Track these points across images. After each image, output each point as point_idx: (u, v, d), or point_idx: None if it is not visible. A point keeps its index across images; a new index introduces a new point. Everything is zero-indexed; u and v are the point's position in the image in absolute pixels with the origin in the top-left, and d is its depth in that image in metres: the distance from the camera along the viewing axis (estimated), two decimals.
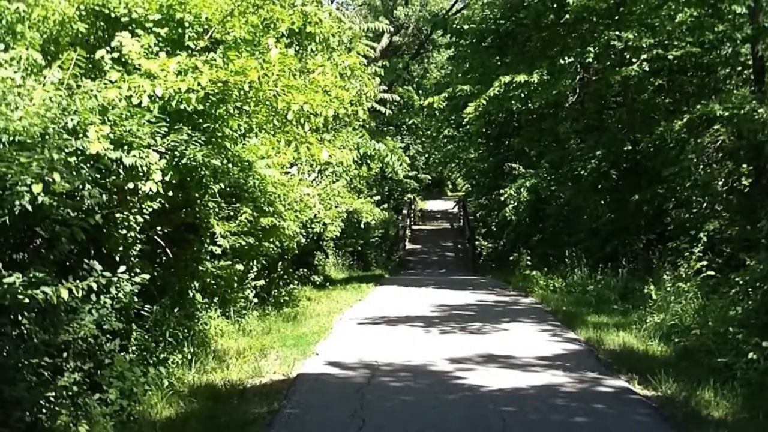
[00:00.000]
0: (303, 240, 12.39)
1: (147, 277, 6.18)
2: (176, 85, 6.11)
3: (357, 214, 16.01)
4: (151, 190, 5.81)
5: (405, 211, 28.81)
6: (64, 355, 5.37)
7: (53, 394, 5.03)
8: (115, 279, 5.71)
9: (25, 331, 4.90)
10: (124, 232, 6.16)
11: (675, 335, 8.84)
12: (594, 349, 8.87)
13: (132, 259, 6.42)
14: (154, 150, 5.83)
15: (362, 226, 17.85)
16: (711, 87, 15.18)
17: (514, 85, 16.15)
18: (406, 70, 30.02)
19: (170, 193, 6.32)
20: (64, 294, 4.82)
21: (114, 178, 5.73)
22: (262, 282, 11.04)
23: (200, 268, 8.45)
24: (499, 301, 14.01)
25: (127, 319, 6.20)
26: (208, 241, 8.50)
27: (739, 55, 13.97)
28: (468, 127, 22.35)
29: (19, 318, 4.86)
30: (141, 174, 5.75)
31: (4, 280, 4.59)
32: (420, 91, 31.39)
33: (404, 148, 27.04)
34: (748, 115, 11.25)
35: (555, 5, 16.70)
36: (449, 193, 42.39)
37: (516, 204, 18.01)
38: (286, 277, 13.20)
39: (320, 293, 14.45)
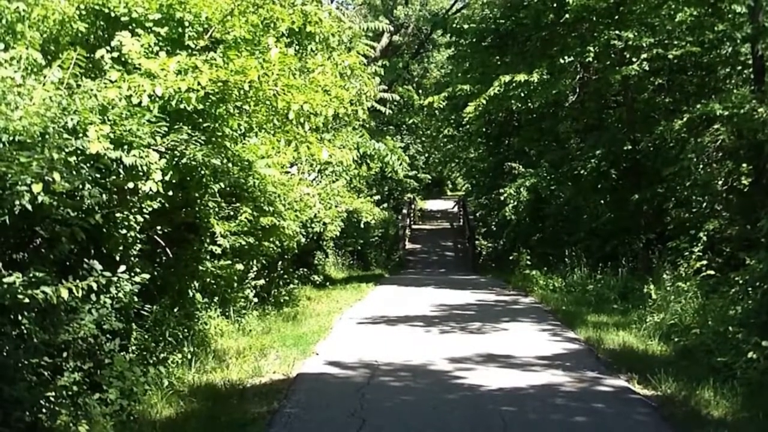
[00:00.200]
0: (303, 239, 12.38)
1: (147, 276, 6.18)
2: (176, 84, 6.11)
3: (357, 213, 16.00)
4: (151, 189, 5.80)
5: (405, 211, 28.81)
6: (64, 354, 5.37)
7: (53, 393, 5.03)
8: (115, 279, 5.71)
9: (25, 331, 4.90)
10: (124, 231, 6.15)
11: (675, 335, 8.85)
12: (594, 348, 8.87)
13: (132, 258, 6.41)
14: (154, 149, 5.83)
15: (362, 225, 17.85)
16: (711, 86, 15.19)
17: (513, 84, 16.15)
18: (406, 69, 29.99)
19: (170, 193, 6.31)
20: (64, 294, 4.82)
21: (114, 177, 5.72)
22: (262, 282, 11.04)
23: (200, 267, 8.45)
24: (499, 300, 14.01)
25: (127, 318, 6.20)
26: (208, 240, 8.50)
27: (739, 55, 13.98)
28: (468, 126, 22.37)
29: (19, 318, 4.86)
30: (141, 173, 5.75)
31: (4, 280, 4.60)
32: (420, 91, 31.42)
33: (404, 147, 27.03)
34: (748, 114, 11.25)
35: (555, 5, 16.69)
36: (449, 193, 42.43)
37: (516, 203, 18.01)
38: (286, 276, 13.21)
39: (320, 293, 14.45)
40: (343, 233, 16.47)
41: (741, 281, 8.29)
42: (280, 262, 12.52)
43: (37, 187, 4.63)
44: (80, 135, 5.26)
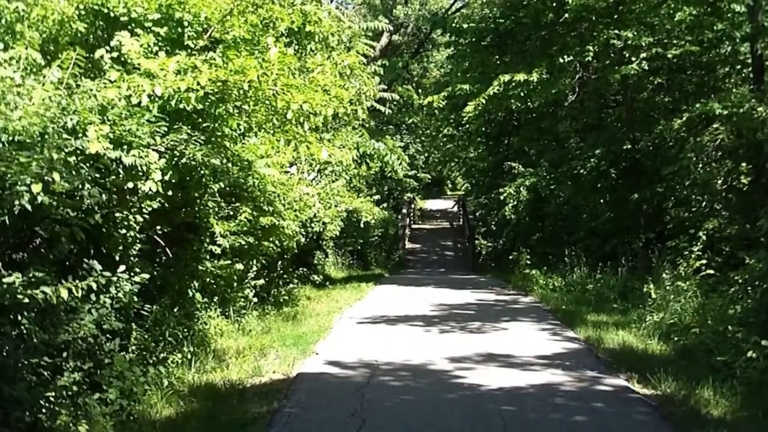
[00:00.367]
0: (302, 239, 12.38)
1: (147, 276, 6.18)
2: (176, 84, 6.11)
3: (356, 213, 16.00)
4: (150, 189, 5.80)
5: (404, 211, 28.81)
6: (64, 354, 5.36)
7: (53, 393, 5.03)
8: (114, 279, 5.71)
9: (24, 331, 4.90)
10: (123, 231, 6.15)
11: (674, 334, 8.85)
12: (593, 347, 8.88)
13: (132, 258, 6.41)
14: (153, 149, 5.82)
15: (362, 225, 17.85)
16: (710, 86, 15.20)
17: (513, 84, 16.15)
18: (405, 69, 29.98)
19: (170, 193, 6.31)
20: (64, 294, 4.82)
21: (113, 177, 5.72)
22: (261, 281, 11.03)
23: (200, 267, 8.45)
24: (499, 300, 14.02)
25: (126, 318, 6.20)
26: (207, 240, 8.50)
27: (739, 54, 13.99)
28: (467, 126, 22.37)
29: (19, 318, 4.85)
30: (140, 173, 5.75)
31: (4, 280, 4.59)
32: (419, 90, 31.40)
33: (404, 147, 27.04)
34: (747, 113, 11.26)
35: (554, 4, 16.70)
36: (449, 193, 42.45)
37: (515, 203, 18.01)
38: (285, 276, 13.20)
39: (320, 292, 14.44)
40: (342, 233, 16.47)
41: (740, 280, 8.30)
42: (279, 262, 12.52)
43: (36, 187, 4.63)
44: (80, 135, 5.26)
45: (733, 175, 13.42)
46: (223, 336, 8.64)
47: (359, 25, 17.64)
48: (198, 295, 8.40)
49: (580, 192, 17.16)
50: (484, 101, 16.87)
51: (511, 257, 18.43)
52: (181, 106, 6.25)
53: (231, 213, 8.94)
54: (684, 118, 13.21)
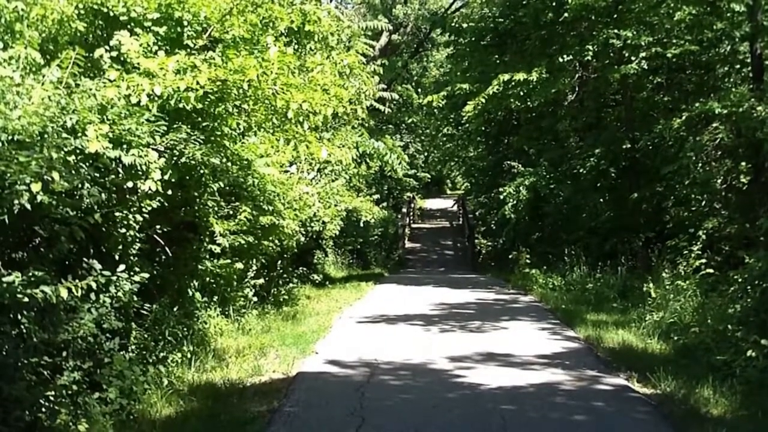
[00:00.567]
0: (302, 238, 12.38)
1: (146, 275, 6.18)
2: (175, 83, 6.11)
3: (356, 212, 16.00)
4: (150, 188, 5.80)
5: (404, 210, 28.81)
6: (64, 354, 5.36)
7: (53, 393, 5.03)
8: (114, 278, 5.70)
9: (24, 330, 4.90)
10: (123, 230, 6.15)
11: (674, 333, 8.86)
12: (593, 347, 8.88)
13: (131, 257, 6.41)
14: (153, 149, 5.82)
15: (361, 224, 17.84)
16: (710, 85, 15.21)
17: (513, 83, 16.17)
18: (405, 68, 30.01)
19: (169, 192, 6.31)
20: (64, 293, 4.82)
21: (113, 176, 5.72)
22: (261, 281, 11.03)
23: (199, 266, 8.45)
24: (499, 299, 14.02)
25: (126, 318, 6.19)
26: (207, 239, 8.50)
27: (738, 53, 14.00)
28: (467, 125, 22.40)
29: (19, 317, 4.85)
30: (140, 173, 5.75)
31: (4, 279, 4.59)
32: (419, 90, 31.46)
33: (403, 146, 27.08)
34: (746, 112, 11.27)
35: (554, 3, 16.71)
36: (448, 192, 42.45)
37: (515, 202, 18.03)
38: (285, 275, 13.20)
39: (320, 292, 14.44)
40: (342, 232, 16.48)
41: (740, 279, 8.29)
42: (279, 261, 12.51)
43: (36, 187, 4.63)
44: (79, 134, 5.25)
45: (733, 174, 13.43)
46: (223, 335, 8.64)
47: (359, 25, 17.67)
48: (198, 295, 8.40)
49: (579, 191, 17.16)
50: (483, 100, 16.89)
51: (510, 256, 18.44)
52: (181, 105, 6.25)
53: (231, 212, 8.94)
54: (683, 118, 13.22)
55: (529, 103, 17.87)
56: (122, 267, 5.93)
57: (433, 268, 23.34)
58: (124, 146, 5.62)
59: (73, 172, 5.06)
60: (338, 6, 24.04)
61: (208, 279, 8.78)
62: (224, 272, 8.93)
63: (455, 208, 34.54)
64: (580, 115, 19.07)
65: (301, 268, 14.70)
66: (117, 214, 6.03)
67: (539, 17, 17.27)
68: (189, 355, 7.21)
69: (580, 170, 16.75)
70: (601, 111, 18.51)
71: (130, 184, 5.83)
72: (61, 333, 5.24)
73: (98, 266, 5.50)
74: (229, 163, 7.47)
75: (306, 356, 8.29)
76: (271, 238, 10.16)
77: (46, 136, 4.93)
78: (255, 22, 7.45)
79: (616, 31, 15.02)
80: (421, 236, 29.93)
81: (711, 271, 9.86)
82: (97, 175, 5.46)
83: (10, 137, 4.80)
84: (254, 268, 10.66)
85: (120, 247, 6.18)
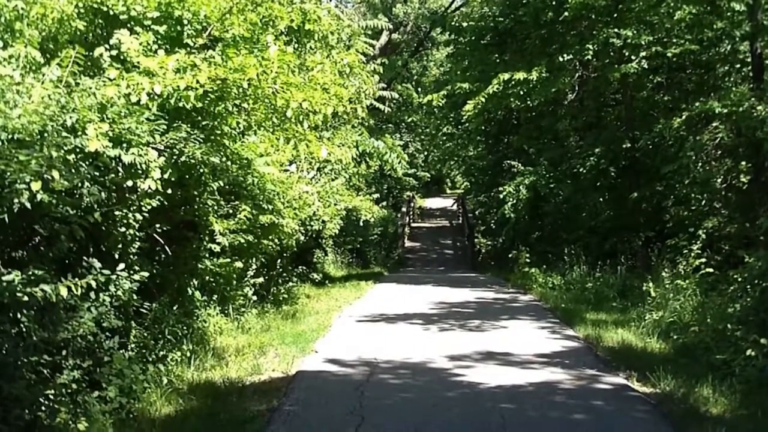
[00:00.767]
0: (302, 237, 12.38)
1: (146, 274, 6.17)
2: (175, 82, 6.10)
3: (356, 211, 16.00)
4: (150, 187, 5.80)
5: (404, 209, 28.82)
6: (64, 352, 5.36)
7: (52, 391, 5.03)
8: (114, 277, 5.70)
9: (24, 329, 4.90)
10: (123, 229, 6.15)
11: (674, 332, 8.86)
12: (593, 346, 8.88)
13: (131, 256, 6.41)
14: (153, 148, 5.82)
15: (361, 223, 17.84)
16: (710, 84, 15.22)
17: (513, 82, 16.17)
18: (405, 67, 30.00)
19: (169, 191, 6.31)
20: (64, 292, 4.82)
21: (113, 175, 5.72)
22: (261, 280, 11.03)
23: (199, 265, 8.45)
24: (498, 298, 14.03)
25: (126, 316, 6.20)
26: (207, 238, 8.49)
27: (738, 53, 14.01)
28: (467, 124, 22.38)
29: (19, 316, 4.85)
30: (140, 172, 5.75)
31: (4, 278, 4.59)
32: (419, 89, 31.44)
33: (403, 145, 27.07)
34: (746, 112, 11.27)
35: (554, 3, 16.71)
36: (448, 191, 42.45)
37: (515, 201, 18.04)
38: (285, 274, 13.20)
39: (319, 291, 14.45)
40: (342, 231, 16.47)
41: (740, 279, 8.29)
42: (279, 260, 12.51)
43: (36, 185, 4.63)
44: (79, 133, 5.25)
45: (733, 173, 13.44)
46: (223, 334, 8.64)
47: (359, 24, 17.68)
48: (197, 293, 8.40)
49: (579, 190, 17.17)
50: (483, 100, 16.89)
51: (510, 255, 18.46)
52: (181, 104, 6.25)
53: (230, 211, 8.94)
54: (683, 117, 13.22)
55: (529, 102, 17.87)
56: (122, 266, 5.93)
57: (432, 267, 23.35)
58: (124, 145, 5.62)
59: (73, 170, 5.06)
60: (338, 5, 24.01)
61: (207, 278, 8.78)
62: (224, 271, 8.93)
63: (455, 207, 34.55)
64: (580, 114, 19.08)
65: (300, 267, 14.71)
66: (117, 212, 6.03)
67: (539, 16, 17.27)
68: (188, 354, 7.21)
69: (580, 169, 16.75)
70: (601, 110, 18.52)
71: (129, 183, 5.83)
72: (60, 332, 5.24)
73: (98, 265, 5.49)
74: (229, 162, 7.46)
75: (305, 355, 8.29)
76: (270, 237, 10.16)
77: (46, 134, 4.93)
78: (255, 21, 7.45)
79: (616, 30, 15.02)
80: (421, 235, 29.94)
81: (711, 270, 9.86)
82: (97, 173, 5.45)
83: (10, 136, 4.80)
84: (254, 267, 10.66)
85: (120, 245, 6.18)
